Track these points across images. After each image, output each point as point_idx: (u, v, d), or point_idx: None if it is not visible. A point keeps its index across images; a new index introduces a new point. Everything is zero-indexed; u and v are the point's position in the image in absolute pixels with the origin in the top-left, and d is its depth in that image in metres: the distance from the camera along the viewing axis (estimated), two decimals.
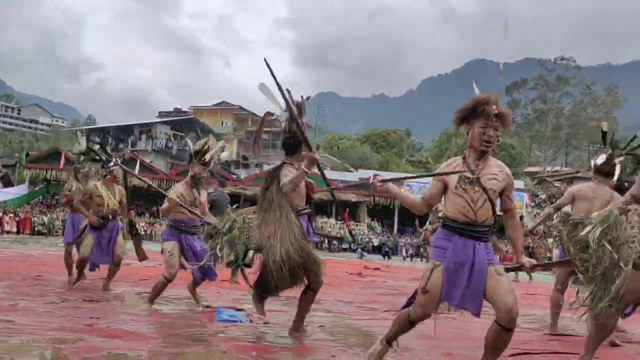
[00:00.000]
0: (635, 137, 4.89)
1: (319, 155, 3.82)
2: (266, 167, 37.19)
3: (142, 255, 5.95)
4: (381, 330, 4.38)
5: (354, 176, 36.54)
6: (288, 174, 3.83)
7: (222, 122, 51.29)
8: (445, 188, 2.96)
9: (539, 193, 40.34)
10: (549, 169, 55.23)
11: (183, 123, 44.62)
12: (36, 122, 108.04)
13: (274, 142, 49.26)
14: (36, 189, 31.19)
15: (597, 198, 4.58)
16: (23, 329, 3.53)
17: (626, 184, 5.18)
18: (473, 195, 2.84)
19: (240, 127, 51.01)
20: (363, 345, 3.76)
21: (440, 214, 3.15)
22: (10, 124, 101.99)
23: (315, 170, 4.04)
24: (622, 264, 2.87)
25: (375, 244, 28.78)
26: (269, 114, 4.33)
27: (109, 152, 6.28)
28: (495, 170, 2.93)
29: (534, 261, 3.25)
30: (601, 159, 4.77)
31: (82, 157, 6.54)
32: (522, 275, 13.19)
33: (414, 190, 32.62)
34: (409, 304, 3.07)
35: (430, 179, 3.14)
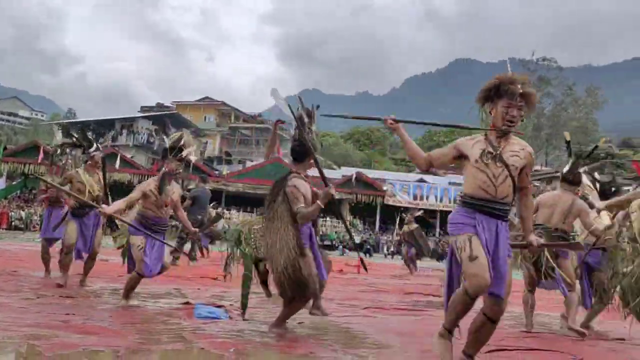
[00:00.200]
0: (596, 146, 5.07)
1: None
2: (249, 164, 37.11)
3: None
4: (360, 327, 4.41)
5: (336, 173, 36.58)
6: (299, 197, 3.81)
7: (205, 118, 50.95)
8: (459, 157, 2.97)
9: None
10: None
11: (165, 118, 44.22)
12: (15, 115, 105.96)
13: (257, 139, 49.22)
14: (14, 183, 30.66)
15: (558, 205, 4.72)
16: None
17: (613, 189, 5.28)
18: (495, 171, 2.83)
19: (223, 123, 50.75)
20: (342, 342, 3.77)
21: (460, 194, 3.04)
22: None
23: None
24: None
25: (357, 241, 28.87)
26: (280, 121, 4.43)
27: (89, 137, 6.16)
28: (516, 148, 2.91)
29: (541, 240, 3.25)
30: (566, 167, 4.90)
31: (59, 150, 6.45)
32: None
33: (396, 188, 32.85)
34: (450, 290, 2.97)
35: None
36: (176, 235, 9.60)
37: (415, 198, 31.77)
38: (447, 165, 3.06)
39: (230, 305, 5.04)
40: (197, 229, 5.35)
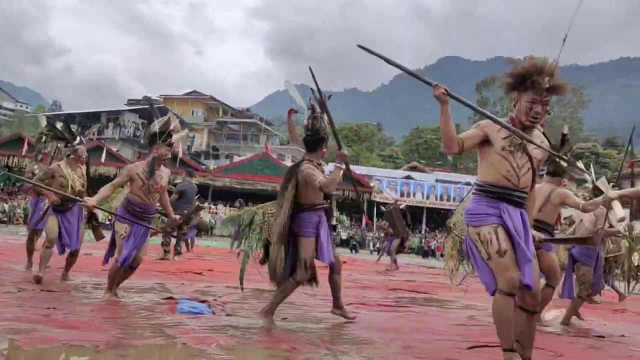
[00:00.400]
0: (565, 135, 4.91)
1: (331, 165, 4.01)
2: (237, 159, 36.99)
3: (99, 235, 5.93)
4: (343, 323, 4.42)
5: (324, 169, 36.56)
6: (315, 172, 3.97)
7: (193, 112, 50.62)
8: (484, 142, 2.81)
9: None
10: None
11: (152, 112, 43.88)
12: None
13: (244, 133, 49.04)
14: None
15: (537, 196, 4.74)
16: None
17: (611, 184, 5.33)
18: (519, 161, 2.73)
19: (211, 117, 50.46)
20: (325, 337, 3.78)
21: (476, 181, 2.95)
22: None
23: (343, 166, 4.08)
24: None
25: (344, 237, 28.93)
26: (293, 110, 4.43)
27: (73, 130, 5.92)
28: (537, 141, 2.81)
29: (542, 235, 3.22)
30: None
31: (43, 138, 6.33)
32: None
33: (384, 184, 32.95)
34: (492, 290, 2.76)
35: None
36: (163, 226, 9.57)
37: (402, 195, 31.88)
38: (474, 148, 2.86)
39: (214, 300, 5.03)
40: (177, 216, 5.22)
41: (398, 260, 12.79)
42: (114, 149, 32.63)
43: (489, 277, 2.76)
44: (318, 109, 4.23)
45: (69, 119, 41.53)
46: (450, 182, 35.50)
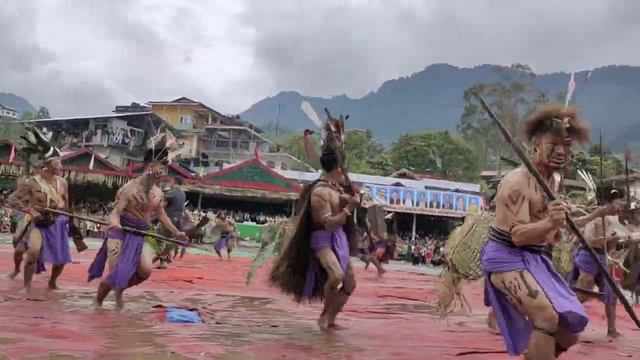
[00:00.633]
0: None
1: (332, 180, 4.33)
2: (226, 166, 36.87)
3: (81, 246, 5.88)
4: (333, 330, 4.41)
5: (314, 176, 36.52)
6: (324, 205, 4.21)
7: (182, 119, 50.47)
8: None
9: (494, 197, 41.37)
10: (503, 173, 56.72)
11: (140, 119, 43.68)
12: None
13: (234, 140, 48.95)
14: None
15: None
16: None
17: (612, 191, 5.39)
18: (561, 201, 2.59)
19: (200, 124, 50.34)
20: (315, 345, 3.77)
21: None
22: None
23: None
24: None
25: None
26: (308, 131, 4.60)
27: (45, 140, 5.66)
28: (557, 187, 2.74)
29: None
30: None
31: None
32: None
33: (373, 191, 33.03)
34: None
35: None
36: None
37: (391, 202, 31.96)
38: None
39: (204, 308, 5.00)
40: (183, 232, 5.21)
41: (384, 267, 12.82)
42: (103, 156, 32.39)
43: (510, 338, 2.74)
44: (334, 129, 4.40)
45: (56, 126, 41.34)
46: (439, 189, 35.63)
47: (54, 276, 5.71)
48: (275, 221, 29.60)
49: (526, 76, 59.79)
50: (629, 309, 2.69)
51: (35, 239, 5.39)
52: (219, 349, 3.38)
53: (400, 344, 4.00)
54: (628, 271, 5.97)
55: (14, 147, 26.24)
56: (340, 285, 4.30)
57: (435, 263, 27.25)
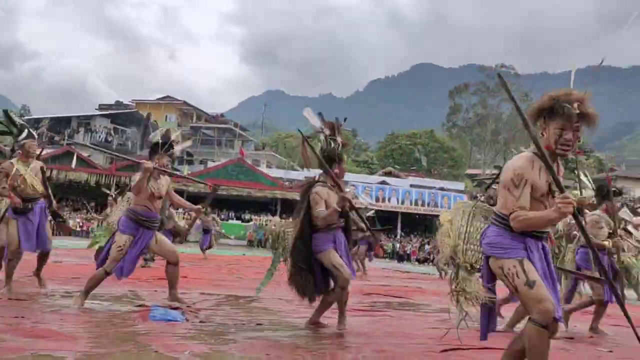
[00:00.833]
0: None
1: (349, 194, 4.35)
2: (211, 164, 36.66)
3: (66, 229, 5.77)
4: (318, 328, 4.42)
5: (300, 175, 36.56)
6: (319, 201, 4.24)
7: (166, 117, 50.08)
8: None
9: (478, 195, 41.76)
10: (488, 171, 57.24)
11: (124, 116, 43.27)
12: None
13: (219, 139, 48.71)
14: None
15: None
16: None
17: (609, 190, 5.45)
18: (550, 202, 2.59)
19: (185, 122, 50.01)
20: (299, 343, 3.77)
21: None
22: None
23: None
24: None
25: None
26: (305, 139, 4.59)
27: (17, 122, 5.43)
28: (562, 175, 2.68)
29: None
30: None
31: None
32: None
33: (359, 190, 33.08)
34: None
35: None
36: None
37: (377, 200, 32.04)
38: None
39: (187, 307, 4.97)
40: (199, 206, 5.33)
41: (368, 265, 12.83)
42: (85, 155, 32.01)
43: (483, 320, 2.80)
44: (329, 132, 4.51)
45: (38, 124, 40.80)
46: (424, 187, 35.83)
47: (39, 266, 5.54)
48: (260, 220, 29.56)
49: (510, 76, 60.34)
50: (624, 309, 2.71)
51: (13, 234, 5.19)
52: (203, 347, 3.36)
53: (384, 342, 4.01)
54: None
55: None
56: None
57: (420, 261, 27.41)
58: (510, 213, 2.59)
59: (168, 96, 54.24)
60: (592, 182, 5.72)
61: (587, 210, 5.19)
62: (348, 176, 37.85)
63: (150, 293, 5.93)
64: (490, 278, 2.84)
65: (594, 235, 5.20)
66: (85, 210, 25.90)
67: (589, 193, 5.68)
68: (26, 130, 5.33)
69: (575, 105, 2.50)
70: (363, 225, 4.78)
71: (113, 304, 5.02)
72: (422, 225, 35.20)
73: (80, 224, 24.84)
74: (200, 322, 4.32)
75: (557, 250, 5.67)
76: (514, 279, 2.55)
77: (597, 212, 5.41)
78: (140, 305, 4.86)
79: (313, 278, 4.34)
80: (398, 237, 32.60)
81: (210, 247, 14.26)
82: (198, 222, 17.51)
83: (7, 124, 5.39)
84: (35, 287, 5.56)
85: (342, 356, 3.40)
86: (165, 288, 6.44)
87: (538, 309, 2.46)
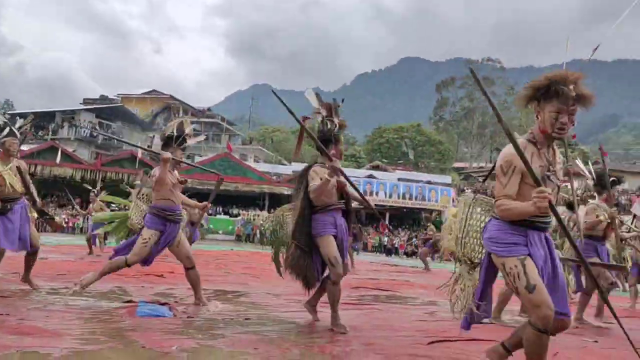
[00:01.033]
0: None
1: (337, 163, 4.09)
2: (198, 159, 36.49)
3: (55, 226, 5.70)
4: (306, 322, 4.43)
5: (287, 169, 36.53)
6: (315, 177, 4.13)
7: (152, 111, 49.72)
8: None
9: (465, 188, 42.05)
10: (475, 164, 57.67)
11: (109, 111, 42.84)
12: None
13: (205, 133, 48.47)
14: None
15: None
16: None
17: (612, 179, 5.50)
18: (548, 189, 2.47)
19: (171, 117, 49.68)
20: (287, 337, 3.77)
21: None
22: None
23: (341, 178, 4.29)
24: None
25: None
26: (305, 117, 4.51)
27: None
28: (559, 160, 2.65)
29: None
30: None
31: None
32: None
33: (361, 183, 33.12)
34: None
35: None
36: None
37: (365, 194, 32.12)
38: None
39: (175, 302, 4.95)
40: (206, 203, 5.42)
41: (356, 257, 12.88)
42: (70, 150, 31.68)
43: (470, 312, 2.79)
44: (325, 113, 4.41)
45: (21, 118, 40.21)
46: (412, 180, 35.98)
47: (27, 270, 5.36)
48: (248, 214, 29.50)
49: (496, 70, 60.76)
50: (604, 298, 2.73)
51: None
52: (191, 342, 3.35)
53: (372, 334, 4.03)
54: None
55: None
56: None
57: (408, 254, 27.56)
58: (496, 200, 2.59)
59: (154, 90, 53.84)
60: (592, 172, 5.75)
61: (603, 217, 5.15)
62: None
63: (138, 289, 5.89)
64: (491, 274, 2.79)
65: (592, 224, 5.26)
66: (71, 207, 25.66)
67: (589, 182, 5.76)
68: (8, 128, 5.19)
69: (571, 87, 2.45)
70: (359, 195, 4.56)
71: (100, 300, 4.99)
72: (409, 218, 35.40)
73: (66, 220, 24.59)
74: (188, 317, 4.31)
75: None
76: (515, 280, 2.50)
77: (596, 201, 5.48)
78: (127, 302, 4.83)
79: (311, 262, 4.20)
80: (386, 230, 32.73)
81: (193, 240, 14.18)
82: (185, 215, 17.47)
83: None
84: (19, 284, 5.49)
85: (330, 349, 3.41)
86: (152, 284, 6.43)
87: (537, 315, 2.43)
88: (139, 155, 29.41)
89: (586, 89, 2.48)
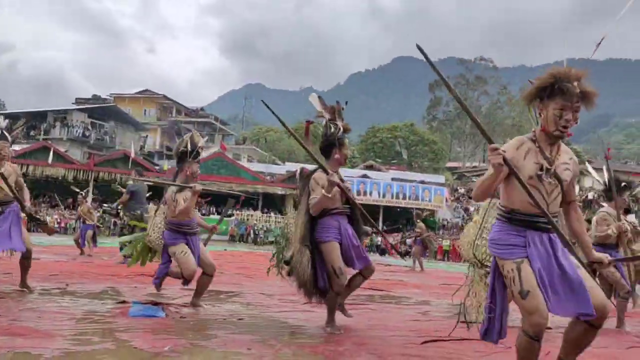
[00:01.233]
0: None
1: (335, 178, 3.98)
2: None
3: (49, 231, 5.70)
4: (299, 322, 4.43)
5: (281, 169, 36.50)
6: (316, 188, 4.00)
7: (145, 111, 49.52)
8: (509, 174, 2.47)
9: (458, 188, 42.20)
10: (468, 164, 57.87)
11: (102, 111, 42.61)
12: None
13: (200, 132, 48.39)
14: None
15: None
16: None
17: (622, 184, 5.43)
18: (548, 187, 2.49)
19: (165, 117, 49.51)
20: (280, 337, 3.77)
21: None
22: None
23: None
24: None
25: None
26: (309, 122, 4.52)
27: None
28: (566, 159, 2.57)
29: (607, 256, 2.65)
30: None
31: None
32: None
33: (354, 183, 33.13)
34: (486, 332, 2.66)
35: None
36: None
37: (358, 194, 32.15)
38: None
39: (167, 303, 4.94)
40: (214, 225, 5.47)
41: None
42: (62, 150, 31.50)
43: (489, 322, 2.67)
44: (328, 117, 4.32)
45: (13, 118, 39.98)
46: (405, 180, 36.05)
47: (23, 272, 5.27)
48: (242, 214, 29.44)
49: (489, 69, 60.99)
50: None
51: None
52: (184, 342, 3.34)
53: (365, 334, 4.04)
54: None
55: None
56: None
57: (402, 254, 27.60)
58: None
59: (147, 90, 53.57)
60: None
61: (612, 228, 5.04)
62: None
63: (131, 289, 5.87)
64: (499, 277, 2.68)
65: (601, 233, 5.05)
66: (63, 207, 25.54)
67: (599, 187, 5.68)
68: (0, 131, 5.10)
69: (576, 83, 2.43)
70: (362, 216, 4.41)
71: (92, 300, 4.96)
72: (403, 218, 35.45)
73: (58, 221, 24.46)
74: (181, 317, 4.30)
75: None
76: (510, 284, 2.48)
77: (605, 208, 5.27)
78: (120, 302, 4.81)
79: (314, 273, 4.02)
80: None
81: None
82: None
83: None
84: (11, 284, 5.47)
85: (323, 349, 3.41)
86: (145, 284, 6.40)
87: (529, 322, 2.40)
88: (132, 155, 29.31)
89: (590, 87, 2.46)
